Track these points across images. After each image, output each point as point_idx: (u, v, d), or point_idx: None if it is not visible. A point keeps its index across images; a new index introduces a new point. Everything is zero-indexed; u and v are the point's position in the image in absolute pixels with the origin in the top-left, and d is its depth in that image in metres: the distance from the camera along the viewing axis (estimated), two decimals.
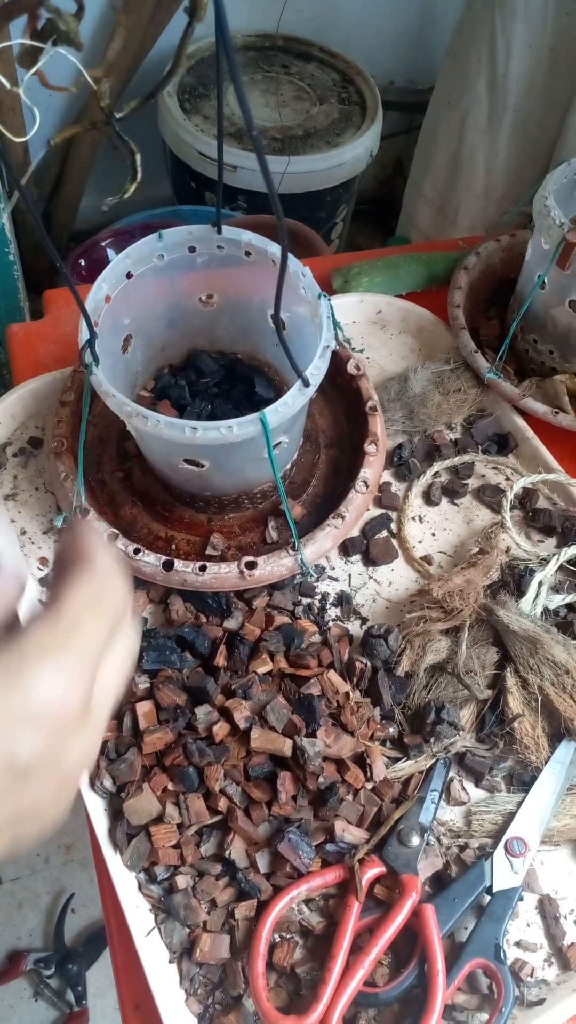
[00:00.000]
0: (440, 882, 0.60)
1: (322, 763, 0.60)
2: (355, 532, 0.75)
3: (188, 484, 0.69)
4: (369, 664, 0.67)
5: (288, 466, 0.73)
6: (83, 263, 1.40)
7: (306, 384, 0.59)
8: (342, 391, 0.79)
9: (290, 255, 0.63)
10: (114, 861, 0.58)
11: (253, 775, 0.60)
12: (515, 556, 0.74)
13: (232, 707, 0.61)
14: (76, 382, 0.74)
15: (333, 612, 0.72)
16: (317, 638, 0.69)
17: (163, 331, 0.75)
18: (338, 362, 0.76)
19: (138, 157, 0.56)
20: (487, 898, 0.59)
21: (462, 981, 0.56)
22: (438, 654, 0.66)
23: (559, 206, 0.76)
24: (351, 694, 0.65)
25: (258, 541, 0.72)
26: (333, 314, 0.71)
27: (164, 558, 0.65)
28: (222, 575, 0.64)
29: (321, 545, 0.67)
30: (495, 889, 0.58)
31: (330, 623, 0.71)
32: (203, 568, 0.65)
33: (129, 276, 0.66)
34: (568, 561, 0.73)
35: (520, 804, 0.62)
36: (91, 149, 1.78)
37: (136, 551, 0.65)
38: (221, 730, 0.60)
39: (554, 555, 0.72)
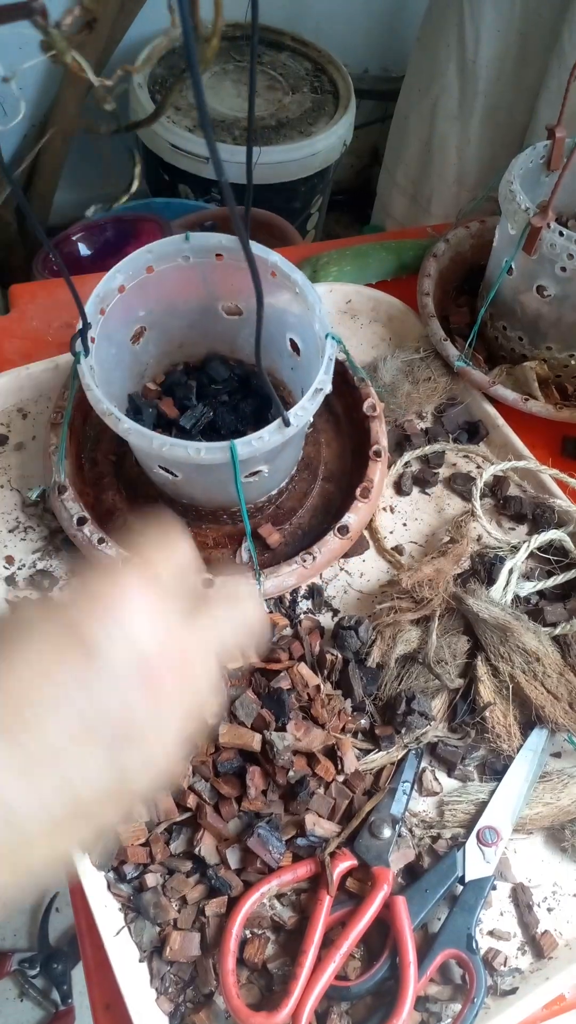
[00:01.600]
0: (412, 873, 0.59)
1: (292, 757, 0.59)
2: None
3: (164, 488, 0.69)
4: (340, 656, 0.66)
5: (275, 492, 0.72)
6: (58, 256, 1.39)
7: (286, 424, 0.57)
8: (354, 427, 0.77)
9: (310, 284, 0.62)
10: (82, 860, 0.57)
11: (222, 771, 0.59)
12: (486, 544, 0.74)
13: None
14: (74, 367, 0.74)
15: (304, 605, 0.71)
16: (288, 631, 0.69)
17: (183, 329, 0.74)
18: (357, 398, 0.74)
19: (137, 169, 0.56)
20: (460, 888, 0.58)
21: (434, 972, 0.56)
22: (409, 644, 0.66)
23: (527, 191, 0.75)
24: (322, 687, 0.64)
25: (229, 559, 0.70)
26: (349, 356, 0.71)
27: (126, 554, 0.64)
28: None
29: (284, 581, 0.66)
30: (467, 879, 0.58)
31: (301, 616, 0.70)
32: None
33: (150, 270, 0.65)
34: (539, 548, 0.72)
35: (492, 793, 0.62)
36: (63, 144, 1.76)
37: (100, 540, 0.65)
38: None
39: (524, 542, 0.71)
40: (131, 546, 0.36)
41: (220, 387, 0.76)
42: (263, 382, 0.54)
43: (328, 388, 0.60)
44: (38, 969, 1.25)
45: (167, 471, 0.63)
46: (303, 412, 0.58)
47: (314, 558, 0.66)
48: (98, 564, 0.64)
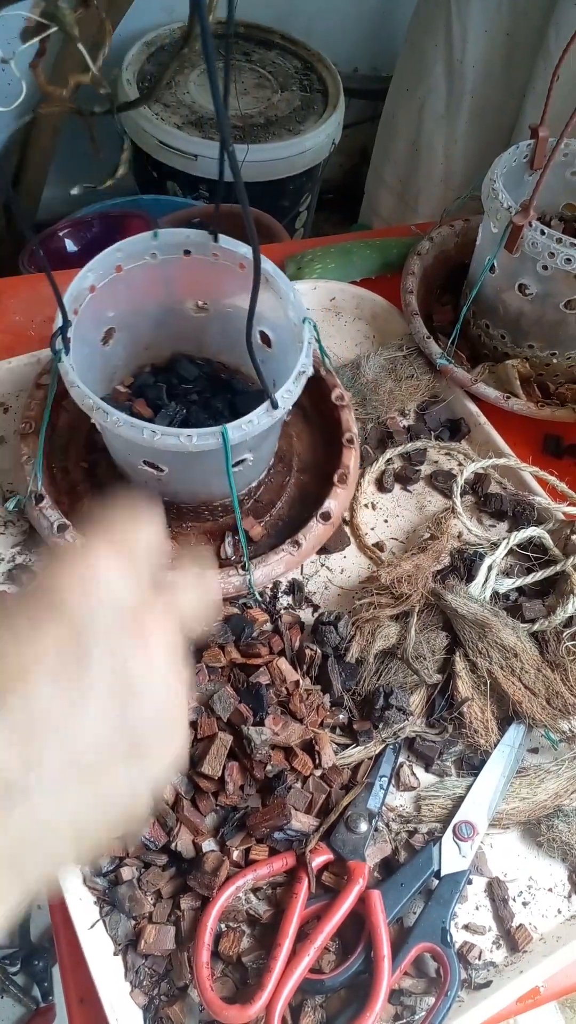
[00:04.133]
0: (388, 867, 0.60)
1: (269, 751, 0.59)
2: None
3: (147, 487, 0.68)
4: (319, 651, 0.66)
5: (254, 484, 0.72)
6: (41, 252, 1.38)
7: (275, 406, 0.58)
8: (323, 418, 0.78)
9: (281, 273, 0.62)
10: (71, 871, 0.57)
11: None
12: (467, 541, 0.74)
13: None
14: (55, 366, 0.73)
15: (285, 600, 0.71)
16: (269, 627, 0.69)
17: (149, 330, 0.74)
18: (323, 389, 0.75)
19: (125, 154, 0.56)
20: (435, 882, 0.58)
21: (409, 965, 0.56)
22: (388, 640, 0.66)
23: (510, 190, 0.76)
24: (301, 682, 0.64)
25: (212, 555, 0.71)
26: (320, 341, 0.71)
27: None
28: None
29: (273, 569, 0.66)
30: (443, 873, 0.58)
31: (281, 611, 0.70)
32: None
33: (119, 269, 0.65)
34: (518, 545, 0.73)
35: (469, 788, 0.62)
36: (52, 138, 1.75)
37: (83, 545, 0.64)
38: None
39: (504, 539, 0.72)
40: (101, 522, 0.36)
41: (189, 386, 0.76)
42: (255, 365, 0.54)
43: (310, 371, 0.60)
44: (19, 966, 1.24)
45: (152, 467, 0.63)
46: (289, 395, 0.58)
47: (299, 545, 0.67)
48: (63, 549, 0.64)
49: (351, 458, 0.71)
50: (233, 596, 0.66)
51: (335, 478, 0.70)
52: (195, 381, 0.77)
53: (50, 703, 0.30)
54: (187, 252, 0.66)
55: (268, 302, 0.64)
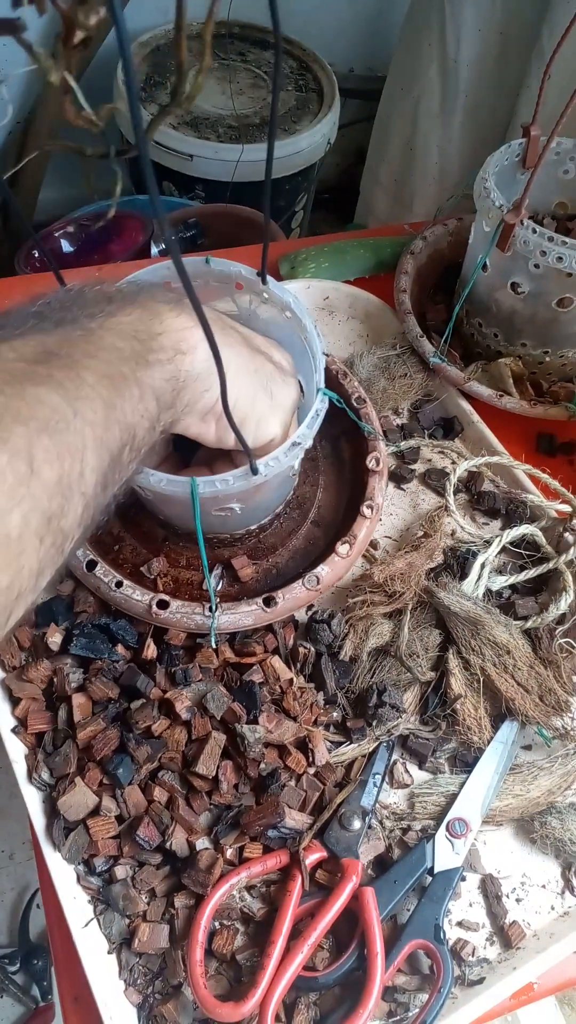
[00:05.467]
0: (382, 865, 0.60)
1: (263, 749, 0.60)
2: None
3: (145, 500, 0.67)
4: (313, 649, 0.66)
5: (255, 527, 0.69)
6: (36, 254, 1.39)
7: (254, 472, 0.55)
8: (356, 477, 0.72)
9: (317, 337, 0.61)
10: (52, 856, 0.57)
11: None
12: (460, 539, 0.74)
13: (173, 699, 0.61)
14: None
15: None
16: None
17: None
18: (364, 450, 0.71)
19: (118, 188, 0.55)
20: (429, 879, 0.59)
21: (402, 962, 0.56)
22: (381, 638, 0.66)
23: (502, 189, 0.76)
24: (295, 680, 0.64)
25: (196, 583, 0.67)
26: (363, 425, 0.70)
27: (89, 557, 0.63)
28: (132, 601, 0.62)
29: (239, 620, 0.62)
30: (436, 870, 0.59)
31: None
32: (119, 584, 0.62)
33: (168, 286, 0.61)
34: (511, 543, 0.73)
35: (463, 785, 0.62)
36: (48, 140, 1.75)
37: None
38: (159, 726, 0.60)
39: (497, 537, 0.72)
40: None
41: None
42: (233, 427, 0.51)
43: (308, 443, 0.57)
44: (18, 966, 1.25)
45: (143, 489, 0.61)
46: (275, 463, 0.55)
47: (274, 604, 0.63)
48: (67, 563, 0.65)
49: (362, 529, 0.66)
50: (193, 631, 0.63)
51: (338, 545, 0.65)
52: None
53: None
54: (239, 285, 0.63)
55: (299, 353, 0.62)
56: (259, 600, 0.63)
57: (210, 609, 0.62)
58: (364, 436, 0.71)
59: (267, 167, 0.49)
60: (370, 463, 0.69)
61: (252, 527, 0.69)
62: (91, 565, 0.63)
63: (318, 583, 0.64)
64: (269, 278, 0.60)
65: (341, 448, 0.76)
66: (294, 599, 0.63)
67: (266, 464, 0.55)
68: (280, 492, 0.69)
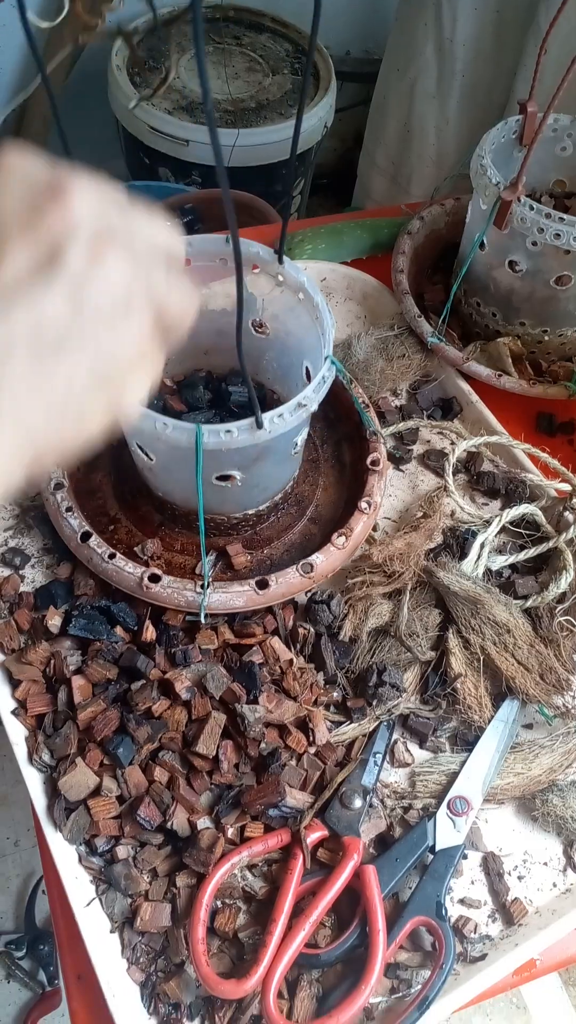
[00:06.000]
0: (383, 843, 0.60)
1: (263, 729, 0.60)
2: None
3: (144, 475, 0.67)
4: (312, 630, 0.66)
5: (252, 512, 0.68)
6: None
7: (259, 425, 0.54)
8: (356, 479, 0.73)
9: (328, 309, 0.61)
10: (54, 836, 0.57)
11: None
12: (460, 519, 0.74)
13: (173, 679, 0.61)
14: None
15: None
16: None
17: (211, 334, 0.71)
18: (366, 449, 0.71)
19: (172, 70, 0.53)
20: (430, 857, 0.59)
21: (404, 939, 0.56)
22: (380, 618, 0.66)
23: (499, 167, 0.75)
24: (294, 660, 0.64)
25: (189, 568, 0.67)
26: (365, 415, 0.71)
27: (84, 529, 0.64)
28: (124, 574, 0.62)
29: (230, 600, 0.62)
30: (437, 848, 0.59)
31: None
32: (112, 556, 0.63)
33: (188, 263, 0.62)
34: (511, 522, 0.73)
35: (463, 764, 0.62)
36: (44, 126, 1.74)
37: (68, 509, 0.65)
38: (160, 706, 0.60)
39: (496, 517, 0.71)
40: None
41: (235, 410, 0.74)
42: (244, 378, 0.52)
43: (313, 406, 0.57)
44: (24, 951, 1.25)
45: (144, 453, 0.62)
46: (279, 420, 0.55)
47: (267, 587, 0.63)
48: (59, 530, 0.64)
49: (359, 523, 0.67)
50: (183, 610, 0.63)
51: (333, 536, 0.65)
52: (243, 407, 0.74)
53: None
54: (255, 267, 0.63)
55: (311, 335, 0.62)
56: (252, 582, 0.63)
57: (202, 586, 0.62)
58: (365, 440, 0.72)
59: (293, 145, 0.49)
60: (370, 463, 0.70)
61: (250, 511, 0.68)
62: (85, 536, 0.63)
63: (312, 570, 0.64)
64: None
65: (343, 452, 0.76)
66: (287, 584, 0.63)
67: (271, 420, 0.55)
68: (280, 472, 0.68)
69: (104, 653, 0.62)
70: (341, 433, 0.76)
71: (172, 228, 0.36)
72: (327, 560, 0.65)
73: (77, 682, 0.60)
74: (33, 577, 0.68)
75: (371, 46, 2.00)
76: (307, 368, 0.66)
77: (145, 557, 0.67)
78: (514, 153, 0.81)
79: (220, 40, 1.72)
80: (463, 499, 0.74)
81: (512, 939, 0.58)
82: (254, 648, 0.64)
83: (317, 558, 0.64)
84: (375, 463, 0.70)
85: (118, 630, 0.64)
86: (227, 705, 0.61)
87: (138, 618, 0.64)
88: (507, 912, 0.59)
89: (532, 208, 0.71)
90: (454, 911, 0.59)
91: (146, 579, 0.62)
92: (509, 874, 0.61)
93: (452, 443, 0.80)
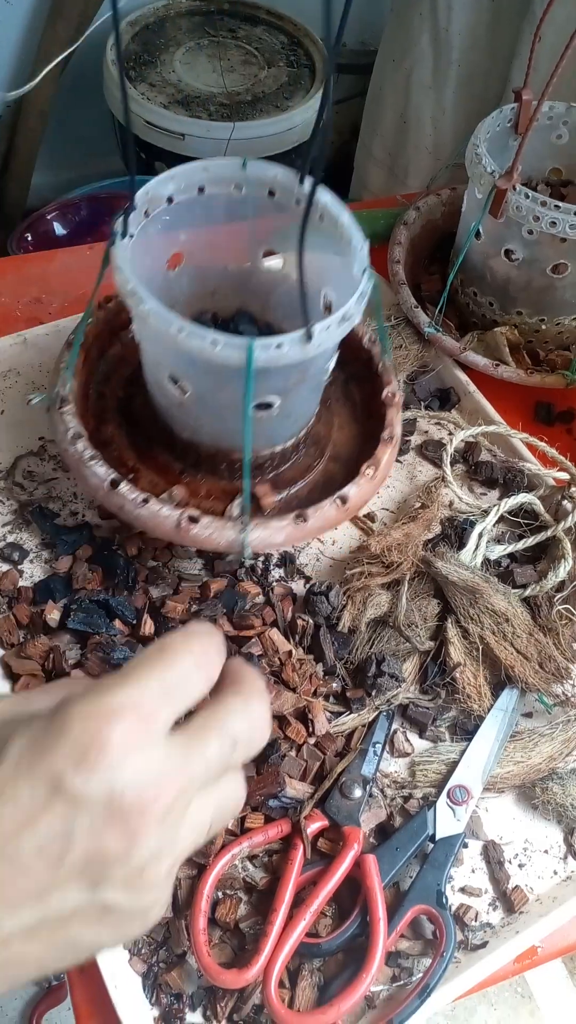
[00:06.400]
0: (384, 833, 0.60)
1: None
2: None
3: (170, 415, 0.65)
4: (311, 621, 0.66)
5: (278, 449, 0.68)
6: (29, 237, 1.38)
7: (308, 338, 0.53)
8: (370, 415, 0.73)
9: (355, 224, 0.59)
10: None
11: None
12: (458, 509, 0.74)
13: None
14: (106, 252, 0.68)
15: (277, 573, 0.71)
16: (261, 599, 0.69)
17: (218, 274, 0.70)
18: (377, 385, 0.71)
19: None
20: (430, 846, 0.59)
21: (405, 928, 0.56)
22: (379, 608, 0.66)
23: (495, 156, 0.75)
24: (293, 652, 0.64)
25: (218, 513, 0.66)
26: (386, 339, 0.68)
27: (114, 474, 0.61)
28: (160, 516, 0.60)
29: (272, 536, 0.62)
30: (438, 837, 0.59)
31: (273, 583, 0.70)
32: (145, 501, 0.60)
33: (201, 191, 0.61)
34: (510, 512, 0.72)
35: (463, 753, 0.62)
36: (40, 122, 1.74)
37: (91, 458, 0.61)
38: None
39: (495, 506, 0.71)
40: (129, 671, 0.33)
41: None
42: (301, 283, 0.50)
43: (357, 318, 0.56)
44: None
45: (177, 388, 0.60)
46: (326, 332, 0.54)
47: (305, 520, 0.62)
48: (82, 481, 0.62)
49: (385, 454, 0.67)
50: (223, 551, 0.63)
51: (363, 467, 0.66)
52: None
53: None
54: (271, 193, 0.62)
55: (334, 261, 0.60)
56: (291, 516, 0.62)
57: (243, 523, 0.60)
58: (377, 376, 0.72)
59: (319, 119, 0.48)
60: (385, 397, 0.70)
61: (276, 448, 0.67)
62: (114, 483, 0.60)
63: (346, 502, 0.63)
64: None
65: (352, 391, 0.76)
66: (323, 517, 0.63)
67: (319, 332, 0.53)
68: (309, 403, 0.67)
69: (104, 647, 0.62)
70: (348, 373, 0.75)
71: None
72: (359, 491, 0.64)
73: (76, 676, 0.60)
74: (32, 572, 0.68)
75: (367, 37, 1.99)
76: (326, 296, 0.64)
77: (171, 502, 0.64)
78: (509, 142, 0.81)
79: (215, 33, 1.72)
80: (461, 489, 0.74)
81: (513, 927, 0.58)
82: (253, 640, 0.64)
83: (350, 489, 0.64)
84: (390, 397, 0.70)
85: (117, 623, 0.64)
86: None
87: (136, 612, 0.65)
88: (508, 900, 0.59)
89: (528, 196, 0.71)
90: (455, 899, 0.59)
91: (185, 521, 0.60)
92: (509, 862, 0.61)
93: (450, 433, 0.80)
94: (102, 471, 0.61)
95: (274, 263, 0.70)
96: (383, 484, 0.68)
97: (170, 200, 0.60)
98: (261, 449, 0.67)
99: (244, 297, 0.73)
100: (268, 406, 0.59)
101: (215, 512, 0.65)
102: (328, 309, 0.64)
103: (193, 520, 0.60)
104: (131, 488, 0.60)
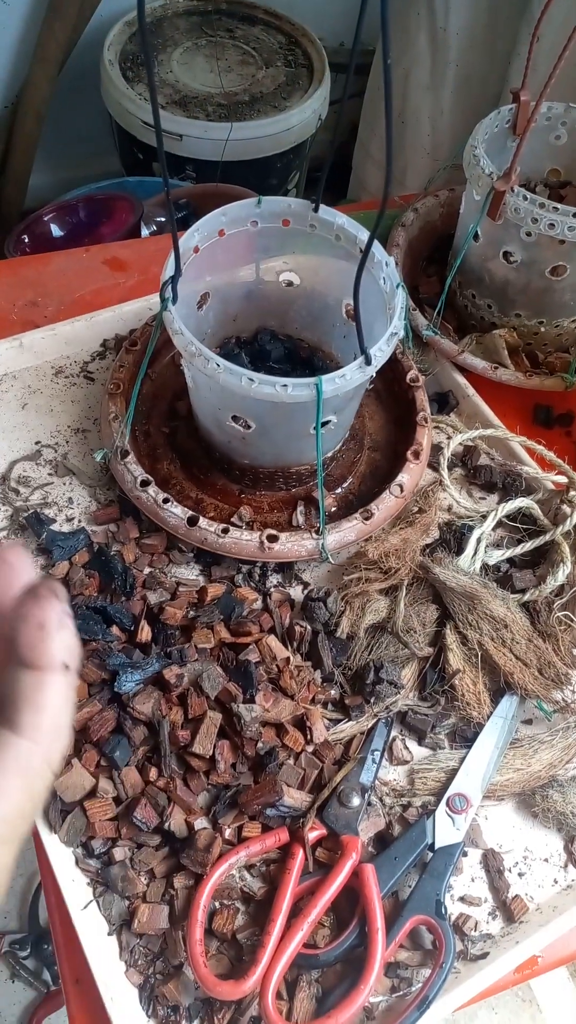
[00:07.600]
0: (382, 841, 0.59)
1: (260, 728, 0.59)
2: None
3: (230, 447, 0.69)
4: (309, 628, 0.66)
5: (329, 454, 0.72)
6: (26, 239, 1.37)
7: (368, 362, 0.58)
8: (396, 399, 0.78)
9: (377, 242, 0.61)
10: (50, 838, 0.57)
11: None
12: (456, 514, 0.74)
13: (168, 677, 0.60)
14: (144, 334, 0.75)
15: (275, 578, 0.71)
16: (258, 605, 0.68)
17: (239, 301, 0.74)
18: (398, 371, 0.75)
19: None
20: (429, 855, 0.58)
21: (404, 938, 0.56)
22: (377, 614, 0.66)
23: (493, 157, 0.74)
24: (291, 658, 0.64)
25: (284, 522, 0.71)
26: (408, 318, 0.71)
27: (190, 513, 0.65)
28: (243, 542, 0.65)
29: (344, 536, 0.67)
30: (437, 846, 0.58)
31: (271, 589, 0.70)
32: (225, 531, 0.65)
33: (221, 234, 0.65)
34: (508, 516, 0.72)
35: (462, 760, 0.62)
36: (36, 124, 1.73)
37: (165, 500, 0.66)
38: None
39: (493, 511, 0.71)
40: None
41: (273, 364, 0.77)
42: (357, 317, 0.56)
43: (402, 333, 0.61)
44: (29, 950, 1.25)
45: (240, 424, 0.63)
46: (381, 353, 0.58)
47: (371, 515, 0.67)
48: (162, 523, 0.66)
49: (424, 435, 0.71)
50: (305, 559, 0.67)
51: (408, 454, 0.70)
52: (280, 360, 0.77)
53: None
54: (285, 221, 0.66)
55: (344, 267, 0.65)
56: (357, 515, 0.67)
57: (318, 531, 0.65)
58: (396, 361, 0.75)
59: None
60: (410, 380, 0.74)
61: (326, 455, 0.71)
62: (192, 521, 0.65)
63: (402, 490, 0.68)
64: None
65: (372, 379, 0.78)
66: (386, 508, 0.68)
67: (375, 355, 0.58)
68: (354, 409, 0.71)
69: (100, 653, 0.61)
70: None
71: None
72: (410, 476, 0.69)
73: None
74: None
75: (365, 37, 1.98)
76: (346, 305, 0.69)
77: (243, 524, 0.69)
78: (507, 143, 0.81)
79: (213, 33, 1.71)
80: (459, 493, 0.73)
81: (513, 936, 0.57)
82: (250, 647, 0.63)
83: (403, 477, 0.69)
84: (415, 380, 0.74)
85: (114, 629, 0.64)
86: (223, 704, 0.60)
87: (134, 618, 0.64)
88: (508, 909, 0.58)
89: (526, 198, 0.71)
90: (454, 909, 0.58)
91: (266, 541, 0.64)
92: (509, 871, 0.60)
93: (448, 437, 0.79)
94: (179, 511, 0.66)
95: (290, 278, 0.73)
96: (426, 465, 0.72)
97: (196, 250, 0.64)
98: (312, 460, 0.69)
99: (263, 317, 0.78)
100: (326, 423, 0.63)
101: (279, 522, 0.71)
102: (348, 315, 0.69)
103: (273, 539, 0.65)
104: (208, 521, 0.65)
